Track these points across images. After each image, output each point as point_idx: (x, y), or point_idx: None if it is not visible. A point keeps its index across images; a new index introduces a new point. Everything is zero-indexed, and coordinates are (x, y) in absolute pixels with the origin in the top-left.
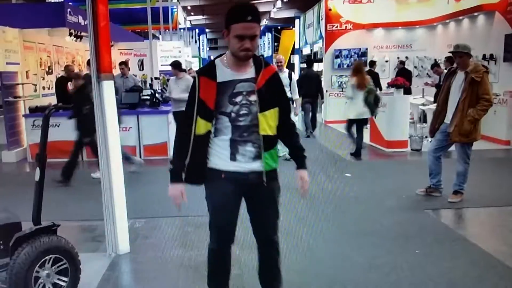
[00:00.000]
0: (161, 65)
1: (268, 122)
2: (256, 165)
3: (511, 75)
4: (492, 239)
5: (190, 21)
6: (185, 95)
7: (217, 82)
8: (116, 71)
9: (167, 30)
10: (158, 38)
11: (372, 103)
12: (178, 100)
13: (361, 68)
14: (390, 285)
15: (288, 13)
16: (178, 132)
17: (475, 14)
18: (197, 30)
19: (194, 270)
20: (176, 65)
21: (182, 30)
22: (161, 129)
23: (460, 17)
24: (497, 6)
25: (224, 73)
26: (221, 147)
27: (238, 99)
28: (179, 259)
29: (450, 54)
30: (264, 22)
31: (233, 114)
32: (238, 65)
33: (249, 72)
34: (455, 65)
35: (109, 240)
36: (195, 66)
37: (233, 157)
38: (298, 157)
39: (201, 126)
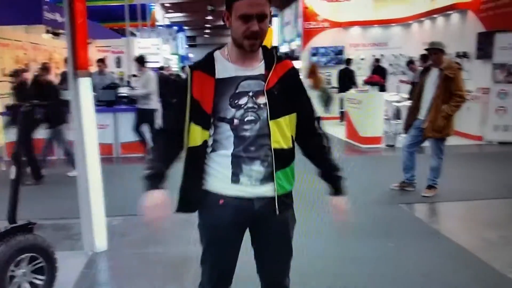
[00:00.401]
0: None
1: (282, 132)
2: (265, 189)
3: (484, 73)
4: (464, 232)
5: (169, 18)
6: (140, 92)
7: (216, 78)
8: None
9: (145, 27)
10: (136, 36)
11: (325, 101)
12: (139, 96)
13: (315, 70)
14: (366, 278)
15: None
16: (159, 143)
17: (449, 12)
18: (175, 28)
19: (172, 268)
20: (137, 60)
21: (160, 28)
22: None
23: (435, 15)
24: (470, 5)
25: (224, 67)
26: (220, 165)
27: (242, 100)
28: (157, 257)
29: (425, 52)
30: None
31: (235, 121)
32: (243, 57)
33: (258, 67)
34: (429, 62)
35: (86, 238)
36: (174, 63)
37: (235, 179)
38: (333, 179)
39: (197, 134)
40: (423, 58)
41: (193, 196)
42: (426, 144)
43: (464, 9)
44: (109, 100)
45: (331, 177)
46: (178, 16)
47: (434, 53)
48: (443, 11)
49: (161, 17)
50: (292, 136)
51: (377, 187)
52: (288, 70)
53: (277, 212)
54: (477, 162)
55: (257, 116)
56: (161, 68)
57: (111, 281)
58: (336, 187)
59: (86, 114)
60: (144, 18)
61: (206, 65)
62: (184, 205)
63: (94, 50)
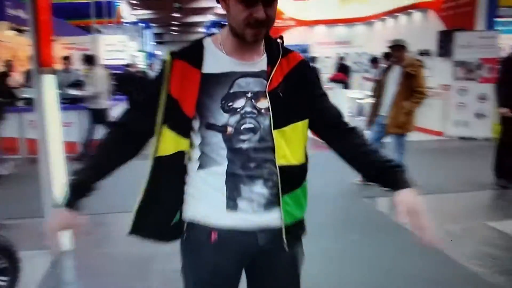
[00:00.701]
0: (105, 59)
1: (291, 144)
2: (271, 218)
3: (444, 70)
4: None
5: (135, 15)
6: (89, 91)
7: (203, 73)
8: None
9: (111, 24)
10: (102, 33)
11: None
12: (89, 96)
13: None
14: (330, 271)
15: None
16: (107, 139)
17: (411, 11)
18: (142, 25)
19: (138, 266)
20: (86, 59)
21: (126, 25)
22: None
23: (397, 14)
24: (431, 4)
25: (216, 60)
26: (210, 186)
27: (238, 103)
28: (123, 255)
29: (389, 50)
30: (210, 17)
31: (229, 129)
32: (241, 48)
33: (259, 62)
34: (392, 59)
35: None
36: (141, 60)
37: (232, 204)
38: (391, 173)
39: (169, 142)
40: (386, 56)
41: (158, 222)
42: (388, 139)
43: (425, 8)
44: (73, 97)
45: (387, 171)
46: (144, 13)
47: (397, 50)
48: (405, 9)
49: (127, 14)
50: (304, 147)
51: (341, 181)
52: (296, 65)
53: (286, 248)
54: (438, 157)
55: (257, 123)
56: (127, 65)
57: (77, 280)
58: (396, 179)
59: (50, 112)
60: (110, 15)
61: (192, 54)
62: (144, 231)
63: (60, 48)
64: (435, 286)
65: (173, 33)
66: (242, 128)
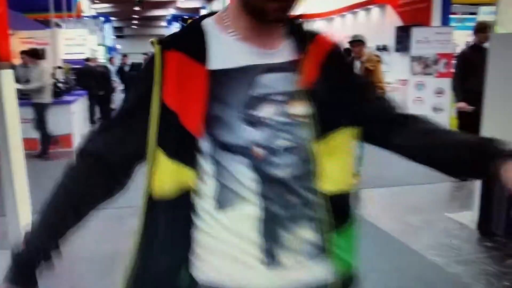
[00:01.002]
0: (65, 53)
1: (338, 161)
2: (321, 270)
3: (402, 65)
4: (386, 217)
5: (95, 9)
6: (33, 85)
7: (210, 69)
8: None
9: (70, 18)
10: (62, 27)
11: None
12: (33, 90)
13: None
14: None
15: (194, 3)
16: (68, 180)
17: (369, 7)
18: (102, 18)
19: (103, 263)
20: (31, 53)
21: (86, 18)
22: (65, 120)
23: (356, 10)
24: (389, 0)
25: (226, 48)
26: (237, 235)
27: (266, 111)
28: (87, 253)
29: (348, 46)
30: (171, 11)
31: (258, 151)
32: (259, 31)
33: (281, 48)
34: (352, 55)
35: (12, 236)
36: (101, 54)
37: (270, 259)
38: (485, 144)
39: (166, 173)
40: (346, 51)
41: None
42: None
43: (383, 3)
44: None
45: (483, 144)
46: (104, 7)
47: (357, 45)
48: (364, 5)
49: (87, 8)
50: (351, 163)
51: None
52: (330, 52)
53: None
54: None
55: (293, 138)
56: (87, 59)
57: (40, 279)
58: (496, 151)
59: (8, 108)
60: (70, 8)
61: (191, 42)
62: None
63: (17, 42)
64: (396, 275)
65: (134, 27)
66: (276, 146)
